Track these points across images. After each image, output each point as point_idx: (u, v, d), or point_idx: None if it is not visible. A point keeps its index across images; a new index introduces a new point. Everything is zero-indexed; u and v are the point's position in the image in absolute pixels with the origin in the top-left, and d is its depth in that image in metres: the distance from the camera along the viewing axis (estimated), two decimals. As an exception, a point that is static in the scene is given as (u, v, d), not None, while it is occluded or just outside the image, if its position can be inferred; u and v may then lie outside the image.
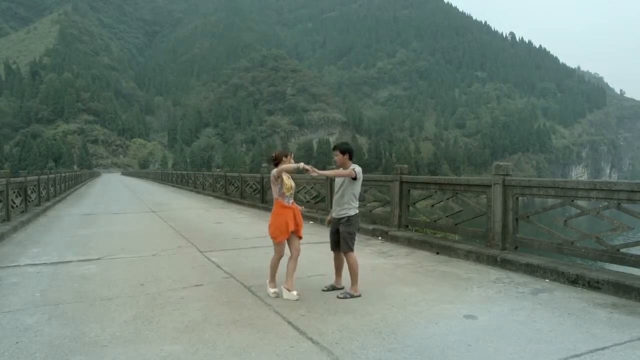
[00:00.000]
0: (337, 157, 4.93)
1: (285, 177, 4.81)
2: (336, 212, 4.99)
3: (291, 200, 4.88)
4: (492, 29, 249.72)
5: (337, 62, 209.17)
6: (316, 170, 4.69)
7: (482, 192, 7.05)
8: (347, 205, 4.92)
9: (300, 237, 4.91)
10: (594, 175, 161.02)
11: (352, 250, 4.89)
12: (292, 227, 4.74)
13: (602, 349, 3.40)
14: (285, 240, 4.83)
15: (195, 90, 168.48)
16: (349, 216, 4.91)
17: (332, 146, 4.97)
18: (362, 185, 9.54)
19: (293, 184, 4.94)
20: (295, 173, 4.98)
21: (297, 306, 4.44)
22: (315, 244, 7.70)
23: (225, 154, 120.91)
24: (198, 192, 24.27)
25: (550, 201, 6.32)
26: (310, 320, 4.05)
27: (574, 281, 5.15)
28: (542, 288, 5.08)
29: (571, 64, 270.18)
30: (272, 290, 4.82)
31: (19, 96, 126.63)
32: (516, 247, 6.37)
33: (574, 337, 3.64)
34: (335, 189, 5.05)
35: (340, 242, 4.93)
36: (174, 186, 32.79)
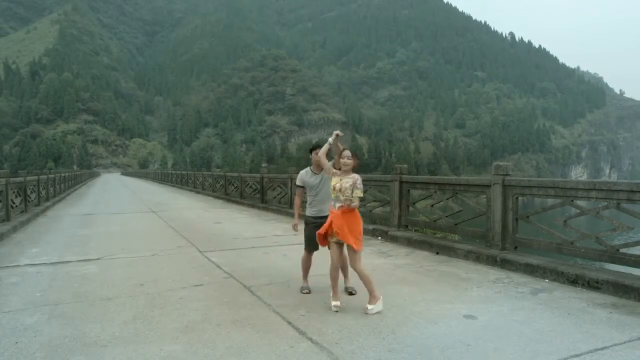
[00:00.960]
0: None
1: (335, 178, 4.36)
2: (323, 212, 4.82)
3: (337, 204, 4.30)
4: (492, 29, 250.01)
5: (337, 62, 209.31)
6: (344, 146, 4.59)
7: (482, 192, 7.04)
8: (329, 203, 4.82)
9: (347, 244, 4.34)
10: (593, 175, 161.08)
11: None
12: (322, 231, 4.38)
13: (602, 348, 3.40)
14: (335, 246, 4.39)
15: (195, 90, 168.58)
16: None
17: (341, 148, 4.64)
18: (362, 185, 9.56)
19: (341, 185, 4.28)
20: (331, 155, 4.53)
21: (297, 306, 4.43)
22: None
23: (224, 154, 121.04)
24: (198, 192, 24.27)
25: (550, 201, 6.32)
26: (310, 320, 4.05)
27: (574, 281, 5.15)
28: (541, 288, 5.08)
29: (571, 64, 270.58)
30: (333, 303, 4.30)
31: (18, 96, 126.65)
32: (516, 247, 6.37)
33: (573, 337, 3.63)
34: (316, 189, 4.90)
35: None
36: (173, 186, 32.78)
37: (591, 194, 5.51)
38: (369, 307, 4.18)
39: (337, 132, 4.53)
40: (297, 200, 5.22)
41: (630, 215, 5.12)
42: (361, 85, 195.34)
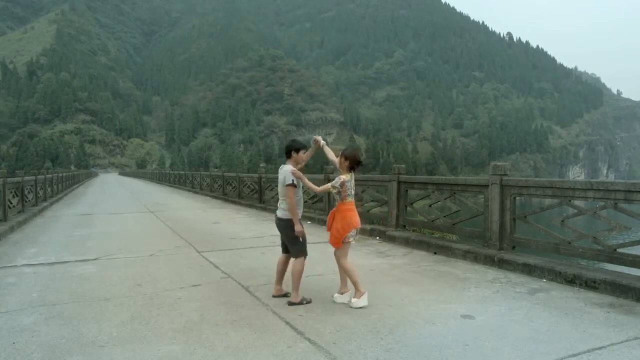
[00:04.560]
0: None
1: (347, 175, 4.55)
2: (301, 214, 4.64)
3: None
4: (490, 29, 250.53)
5: (335, 62, 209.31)
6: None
7: (480, 192, 7.05)
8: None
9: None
10: (591, 175, 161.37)
11: None
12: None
13: (599, 348, 3.41)
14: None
15: (192, 90, 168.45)
16: None
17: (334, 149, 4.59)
18: (360, 185, 9.61)
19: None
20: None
21: (295, 306, 4.43)
22: (313, 244, 7.67)
23: (222, 154, 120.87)
24: (196, 192, 24.24)
25: (548, 201, 6.33)
26: (308, 320, 4.05)
27: (571, 281, 5.16)
28: (539, 288, 5.09)
29: (568, 64, 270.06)
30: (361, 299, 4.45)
31: (16, 96, 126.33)
32: (513, 247, 6.38)
33: (571, 336, 3.64)
34: (301, 189, 4.67)
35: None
36: (171, 186, 32.74)
37: (589, 194, 5.52)
38: (353, 300, 4.38)
39: (317, 138, 4.78)
40: (295, 201, 4.46)
41: (628, 215, 5.14)
42: (359, 85, 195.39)
